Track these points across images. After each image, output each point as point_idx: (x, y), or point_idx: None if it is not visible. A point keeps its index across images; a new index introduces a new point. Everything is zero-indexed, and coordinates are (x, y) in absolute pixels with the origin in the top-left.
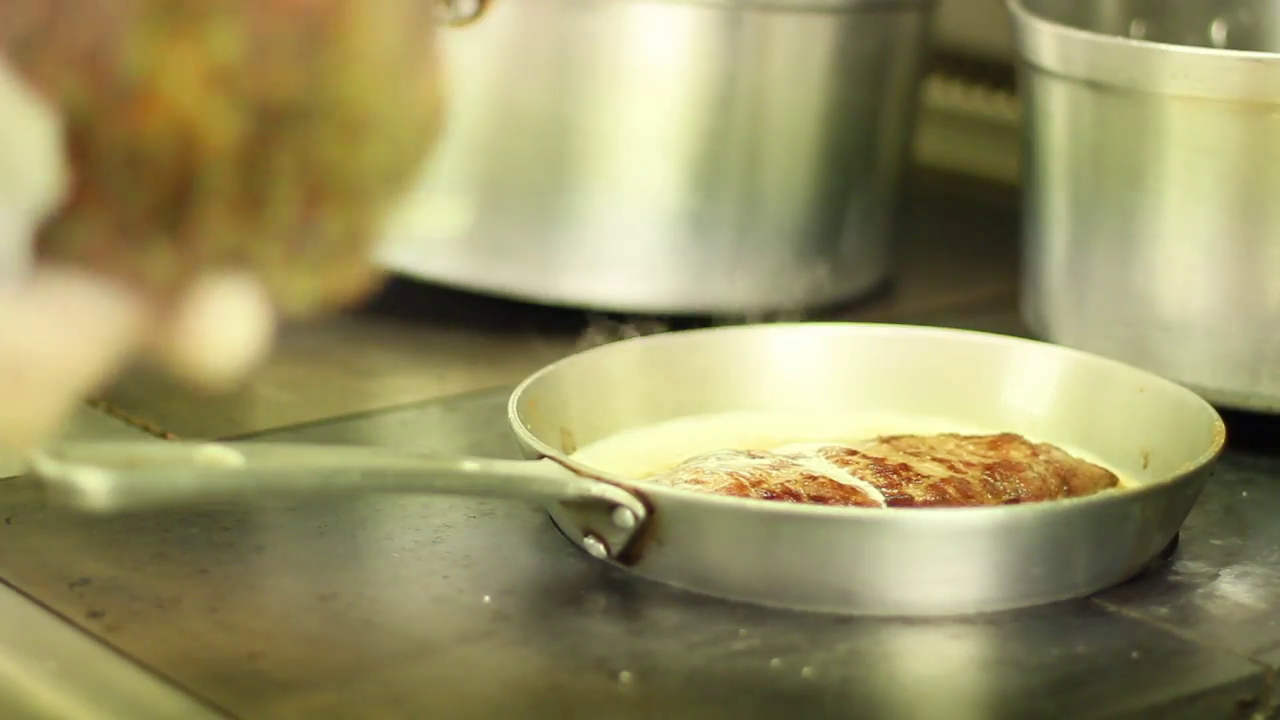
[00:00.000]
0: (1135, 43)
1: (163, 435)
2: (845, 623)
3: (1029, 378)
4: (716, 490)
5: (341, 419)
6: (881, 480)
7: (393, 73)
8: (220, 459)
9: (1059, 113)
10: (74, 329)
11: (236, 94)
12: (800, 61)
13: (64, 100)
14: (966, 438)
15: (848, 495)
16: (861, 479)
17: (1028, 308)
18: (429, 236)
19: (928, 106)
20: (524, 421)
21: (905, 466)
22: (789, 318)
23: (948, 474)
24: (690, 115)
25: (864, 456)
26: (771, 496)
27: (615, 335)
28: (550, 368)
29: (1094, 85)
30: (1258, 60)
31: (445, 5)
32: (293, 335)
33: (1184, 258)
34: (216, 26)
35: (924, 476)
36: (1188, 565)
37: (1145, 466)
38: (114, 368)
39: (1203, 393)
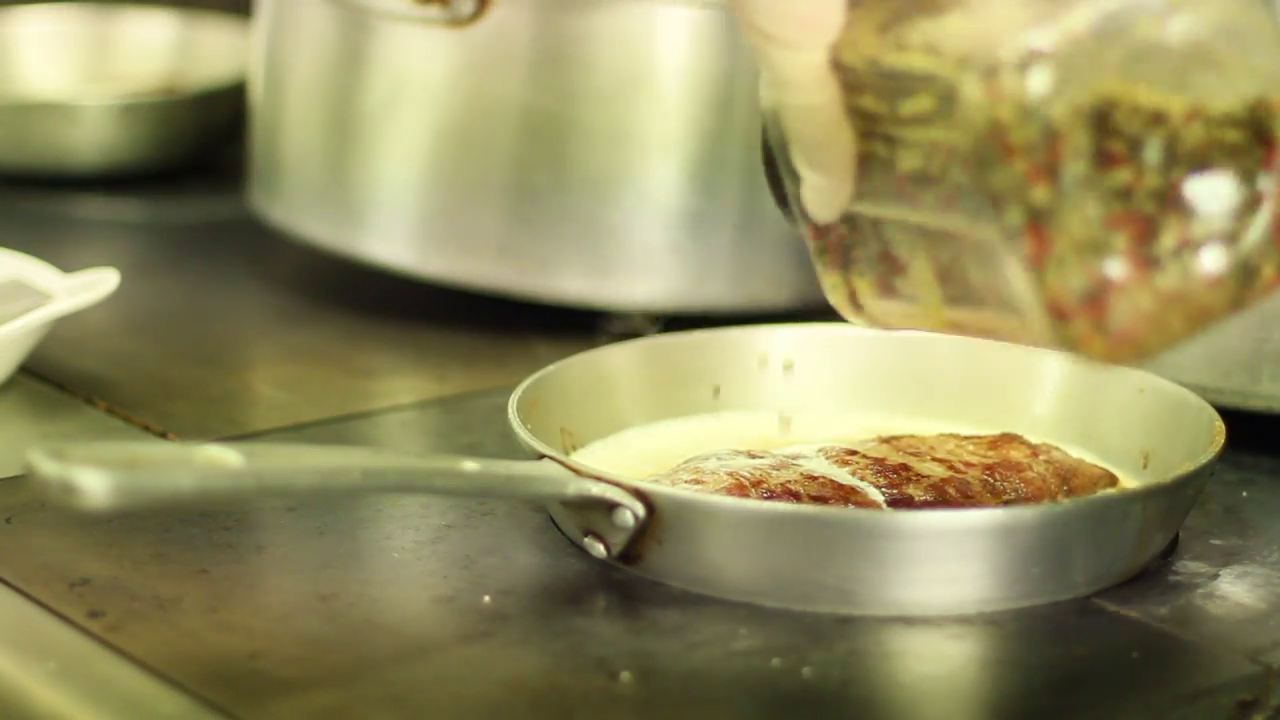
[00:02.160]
0: None
1: (163, 435)
2: (845, 623)
3: (1029, 378)
4: (716, 490)
5: (341, 419)
6: (881, 480)
7: None
8: (220, 459)
9: None
10: None
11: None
12: None
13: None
14: (966, 438)
15: (848, 495)
16: (861, 479)
17: None
18: None
19: None
20: (524, 421)
21: (905, 466)
22: (789, 318)
23: (948, 474)
24: (690, 115)
25: (864, 456)
26: (771, 496)
27: (615, 335)
28: (550, 368)
29: None
30: None
31: (443, 5)
32: (293, 335)
33: None
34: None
35: (924, 476)
36: (1188, 565)
37: (1145, 466)
38: None
39: (1203, 393)
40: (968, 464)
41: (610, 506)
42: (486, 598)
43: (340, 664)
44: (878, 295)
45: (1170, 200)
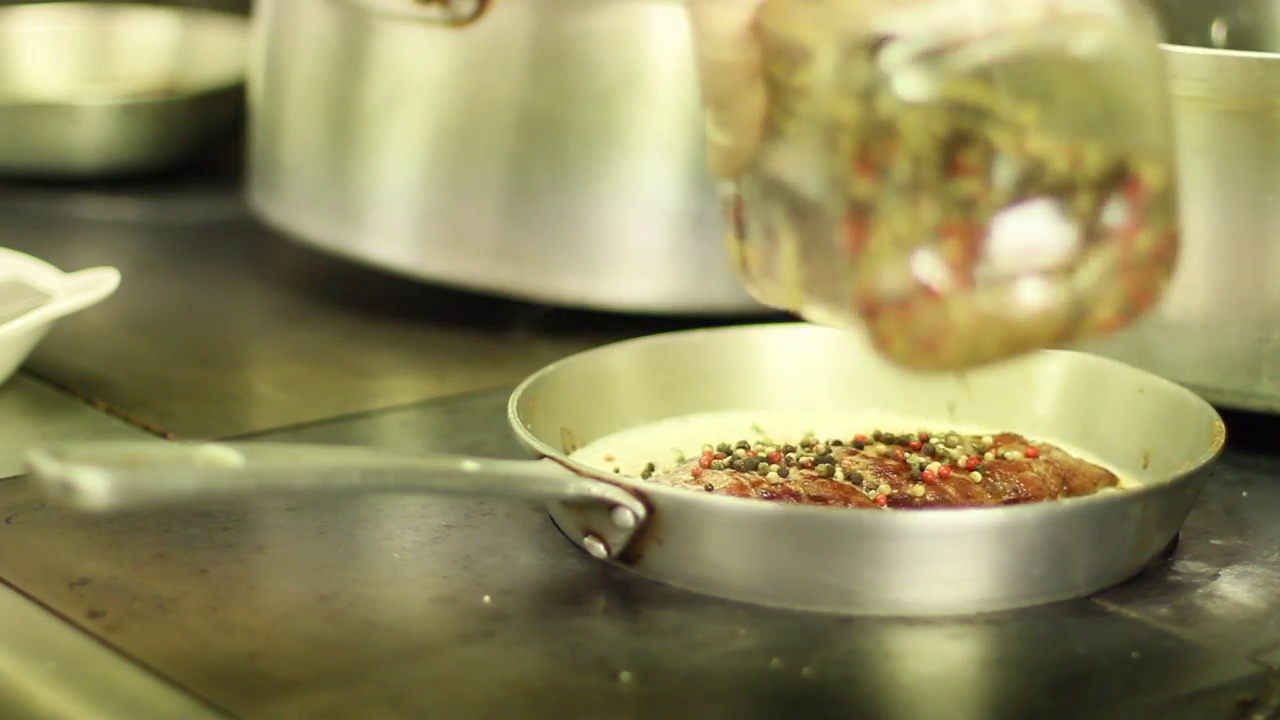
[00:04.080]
0: None
1: (163, 435)
2: (845, 623)
3: (1029, 378)
4: (717, 490)
5: (341, 419)
6: (881, 480)
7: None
8: (220, 459)
9: None
10: None
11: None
12: None
13: None
14: (967, 438)
15: (848, 495)
16: (861, 479)
17: None
18: None
19: None
20: (524, 421)
21: (905, 466)
22: (788, 318)
23: (948, 474)
24: (690, 115)
25: (864, 456)
26: (771, 496)
27: (615, 335)
28: (550, 368)
29: None
30: (1258, 60)
31: (443, 5)
32: (293, 335)
33: (1184, 258)
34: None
35: (924, 476)
36: (1188, 565)
37: (1145, 466)
38: None
39: (1203, 393)
40: (968, 464)
41: (610, 506)
42: (486, 598)
43: (340, 664)
44: (762, 270)
45: (1010, 221)
